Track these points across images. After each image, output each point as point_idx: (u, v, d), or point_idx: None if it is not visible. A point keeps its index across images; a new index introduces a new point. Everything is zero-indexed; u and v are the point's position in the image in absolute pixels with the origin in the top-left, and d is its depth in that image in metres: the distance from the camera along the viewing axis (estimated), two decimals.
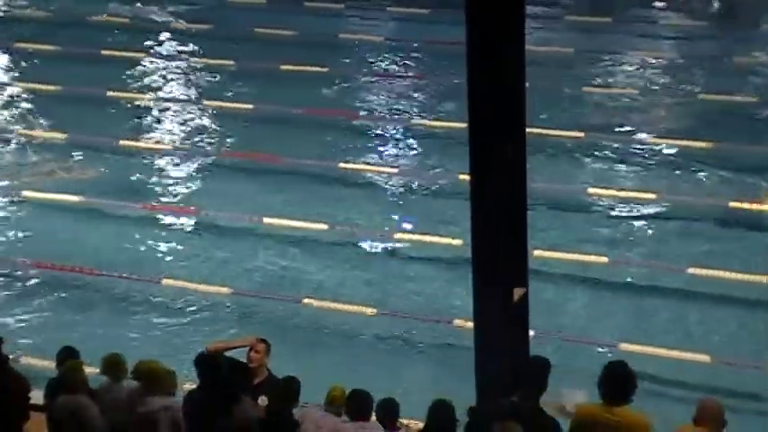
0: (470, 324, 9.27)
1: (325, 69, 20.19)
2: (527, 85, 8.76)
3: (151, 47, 21.98)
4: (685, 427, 8.04)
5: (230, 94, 19.58)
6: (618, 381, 7.91)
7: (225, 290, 13.81)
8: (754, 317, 13.08)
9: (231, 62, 20.65)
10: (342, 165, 16.90)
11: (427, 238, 14.77)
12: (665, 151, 16.99)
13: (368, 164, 17.18)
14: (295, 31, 21.95)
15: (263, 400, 9.12)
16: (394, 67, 21.00)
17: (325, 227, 15.15)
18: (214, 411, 8.45)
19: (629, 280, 13.93)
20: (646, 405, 8.58)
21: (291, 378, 9.01)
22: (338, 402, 8.73)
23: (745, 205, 15.00)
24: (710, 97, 18.42)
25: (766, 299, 13.23)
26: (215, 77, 20.46)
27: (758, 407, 11.42)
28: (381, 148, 17.77)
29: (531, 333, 9.44)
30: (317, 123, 18.29)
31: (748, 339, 12.65)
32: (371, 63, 21.15)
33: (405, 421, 8.98)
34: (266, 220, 15.40)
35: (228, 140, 18.09)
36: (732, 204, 15.04)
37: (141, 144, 18.02)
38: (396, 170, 17.03)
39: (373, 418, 8.58)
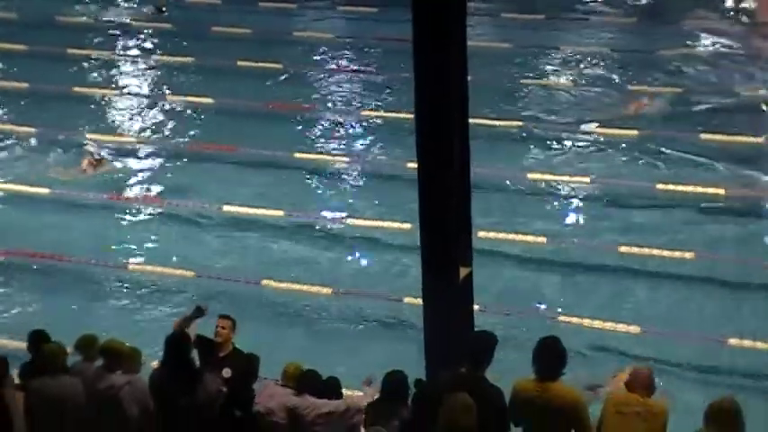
0: (420, 302, 9.27)
1: (280, 65, 20.09)
2: (469, 77, 8.75)
3: (115, 45, 21.77)
4: (619, 392, 8.09)
5: (191, 89, 19.40)
6: (550, 357, 7.91)
7: (189, 273, 13.70)
8: (681, 290, 13.18)
9: (191, 59, 20.48)
10: (298, 154, 16.81)
11: (379, 223, 14.74)
12: (597, 138, 17.07)
13: (322, 153, 17.11)
14: (251, 30, 21.82)
15: (226, 372, 9.16)
16: (345, 62, 20.92)
17: (281, 213, 15.07)
18: (179, 389, 8.39)
19: (565, 257, 13.99)
20: (584, 371, 8.67)
21: (252, 355, 9.05)
22: (292, 378, 8.71)
23: (670, 186, 15.09)
24: (638, 88, 18.52)
25: (692, 273, 13.34)
26: (176, 74, 20.27)
27: (683, 373, 11.49)
28: (334, 138, 17.70)
29: (477, 308, 9.46)
30: (274, 116, 18.19)
31: (677, 311, 12.74)
32: (324, 59, 21.07)
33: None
34: (226, 207, 15.30)
35: (190, 133, 17.92)
36: (659, 186, 15.14)
37: (107, 137, 17.80)
38: (348, 158, 16.99)
39: None
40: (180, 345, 8.65)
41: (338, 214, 15.25)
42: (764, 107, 17.86)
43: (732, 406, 7.51)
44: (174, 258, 14.20)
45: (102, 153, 16.97)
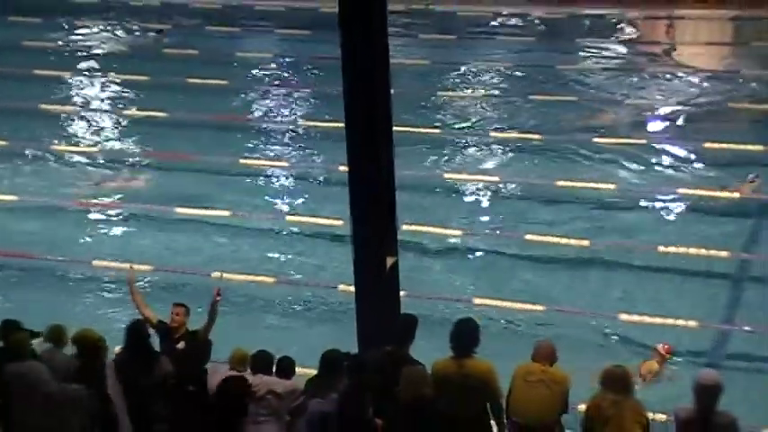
0: (352, 289, 9.24)
1: (226, 82, 19.92)
2: (392, 90, 8.74)
3: (76, 66, 21.39)
4: (525, 363, 8.14)
5: (145, 104, 19.13)
6: (465, 335, 7.93)
7: (147, 267, 13.49)
8: (579, 273, 13.30)
9: (145, 77, 20.20)
10: (242, 161, 16.66)
11: (314, 219, 14.67)
12: (505, 142, 17.18)
13: (264, 159, 16.99)
14: (198, 51, 21.60)
15: (182, 344, 9.37)
16: (283, 79, 20.82)
17: (227, 213, 14.93)
18: (138, 370, 8.29)
19: (479, 247, 14.06)
20: (499, 348, 8.69)
21: (206, 340, 8.96)
22: (239, 362, 8.60)
23: (569, 183, 15.23)
24: (538, 98, 18.68)
25: (587, 257, 13.47)
26: (132, 91, 19.98)
27: (583, 344, 11.60)
28: (275, 146, 17.59)
29: (402, 293, 9.45)
30: (221, 127, 17.99)
31: (576, 291, 12.86)
32: (264, 76, 20.94)
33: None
34: (179, 209, 15.11)
35: (146, 143, 17.66)
36: (559, 183, 15.26)
37: (71, 148, 17.50)
38: (287, 163, 16.90)
39: None
40: (138, 331, 8.58)
41: (278, 212, 15.14)
42: (646, 113, 18.13)
43: (622, 371, 7.63)
44: (135, 255, 13.97)
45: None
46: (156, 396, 8.19)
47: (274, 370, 8.48)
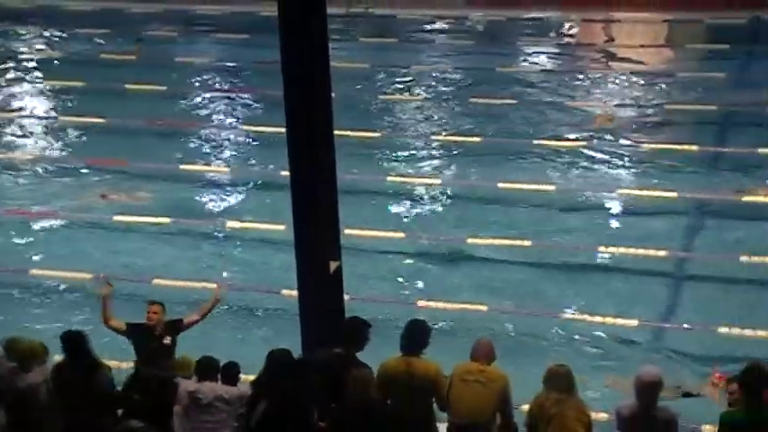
0: (296, 293, 9.23)
1: (164, 87, 19.74)
2: (333, 94, 8.76)
3: (11, 72, 21.05)
4: (464, 364, 8.21)
5: (83, 110, 18.89)
6: (416, 336, 7.99)
7: (86, 275, 13.32)
8: (521, 273, 13.42)
9: (81, 83, 19.95)
10: (182, 166, 16.53)
11: (256, 225, 14.61)
12: (446, 145, 17.28)
13: (204, 164, 16.88)
14: (136, 56, 21.41)
15: (167, 339, 9.51)
16: (222, 83, 20.71)
17: (168, 220, 14.79)
18: (77, 380, 8.21)
19: (421, 249, 14.11)
20: (441, 350, 8.74)
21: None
22: (184, 369, 8.56)
23: (510, 185, 15.36)
24: (479, 100, 18.82)
25: (529, 258, 13.60)
26: (69, 96, 19.73)
27: (520, 343, 11.70)
28: (215, 152, 17.50)
29: (346, 297, 9.47)
30: (161, 133, 17.85)
31: (519, 291, 12.96)
32: (204, 81, 20.81)
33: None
34: (116, 217, 14.94)
35: (84, 149, 17.44)
36: (500, 185, 15.38)
37: (7, 156, 17.22)
38: (228, 169, 16.81)
39: None
40: (74, 339, 8.49)
41: (220, 218, 15.05)
42: (585, 115, 18.37)
43: (565, 370, 7.74)
44: (73, 262, 13.80)
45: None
46: (94, 403, 8.10)
47: (220, 376, 8.44)
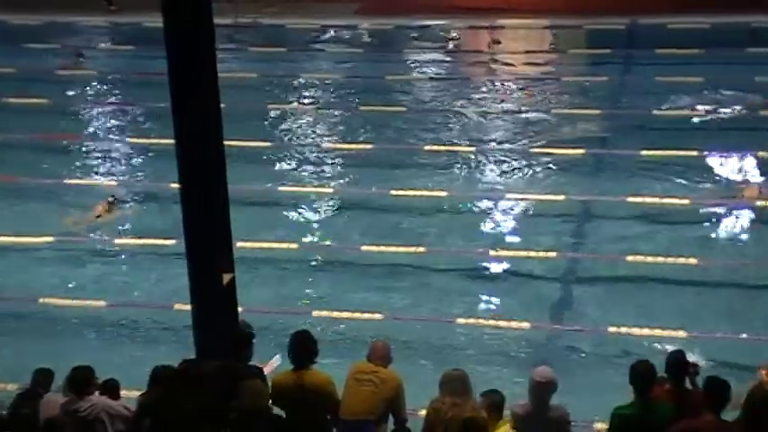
0: (188, 307, 9.14)
1: (45, 101, 19.31)
2: (222, 105, 8.73)
3: None
4: (359, 363, 8.29)
5: None
6: (301, 347, 8.02)
7: None
8: (415, 280, 13.55)
9: None
10: (68, 180, 16.22)
11: (144, 241, 14.40)
12: (337, 153, 17.35)
13: (90, 178, 16.57)
14: (16, 69, 20.87)
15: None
16: (106, 95, 20.35)
17: (51, 239, 14.48)
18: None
19: (317, 259, 14.13)
20: (337, 356, 8.79)
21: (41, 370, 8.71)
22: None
23: (401, 192, 15.51)
24: (369, 108, 18.95)
25: (424, 264, 13.75)
26: None
27: (421, 351, 11.85)
28: (102, 164, 17.19)
29: (240, 309, 9.42)
30: (44, 147, 17.44)
31: (415, 299, 13.08)
32: (87, 93, 20.43)
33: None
34: (2, 238, 14.57)
35: None
36: (392, 192, 15.52)
37: None
38: (115, 182, 16.54)
39: None
40: None
41: (108, 234, 14.78)
42: (474, 121, 18.67)
43: (459, 373, 7.89)
44: None
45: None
46: None
47: (99, 392, 8.31)
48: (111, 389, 8.40)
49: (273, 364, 8.82)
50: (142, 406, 7.81)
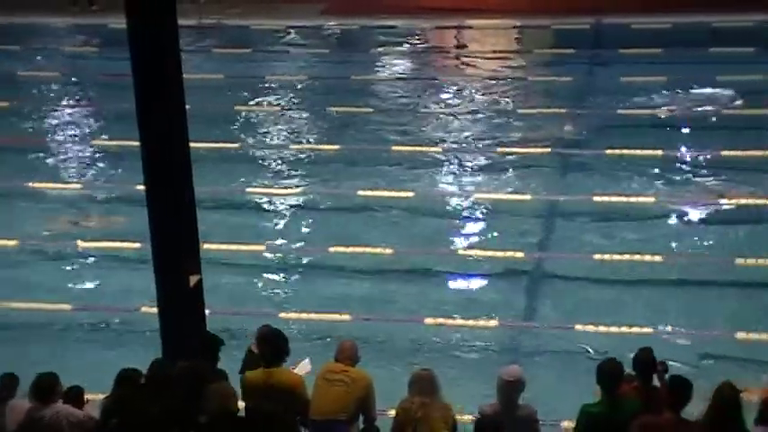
0: (155, 310, 9.11)
1: (7, 103, 19.14)
2: (188, 106, 8.70)
3: None
4: (329, 364, 8.30)
5: None
6: (272, 346, 8.03)
7: None
8: (386, 281, 13.54)
9: None
10: (30, 184, 16.06)
11: (109, 244, 14.29)
12: (304, 154, 17.33)
13: (53, 181, 16.42)
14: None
15: None
16: (70, 97, 20.20)
17: (15, 243, 14.35)
18: None
19: (283, 261, 14.11)
20: (306, 355, 8.78)
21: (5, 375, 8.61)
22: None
23: (369, 193, 15.52)
24: (335, 109, 18.94)
25: (391, 265, 13.76)
26: None
27: (390, 349, 11.85)
28: (65, 167, 17.06)
29: (207, 312, 9.40)
30: (7, 149, 17.26)
31: (376, 299, 13.08)
32: (50, 95, 20.26)
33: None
34: None
35: None
36: (360, 193, 15.53)
37: None
38: (79, 185, 16.42)
39: None
40: None
41: (71, 237, 14.66)
42: (441, 120, 18.73)
43: (428, 373, 7.92)
44: None
45: None
46: None
47: (63, 400, 8.22)
48: (76, 396, 8.30)
49: (306, 368, 8.73)
50: (106, 409, 7.75)
